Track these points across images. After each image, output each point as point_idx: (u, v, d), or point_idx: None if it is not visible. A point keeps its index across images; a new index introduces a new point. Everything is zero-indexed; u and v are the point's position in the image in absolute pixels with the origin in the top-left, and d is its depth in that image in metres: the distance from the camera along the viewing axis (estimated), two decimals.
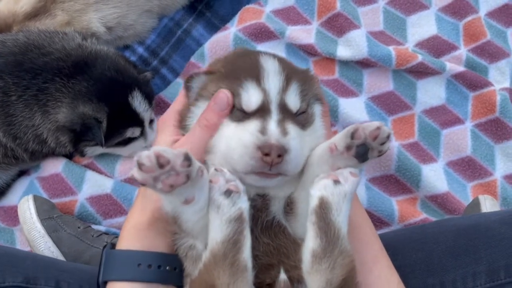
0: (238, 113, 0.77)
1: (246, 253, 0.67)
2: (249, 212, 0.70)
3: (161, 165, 0.61)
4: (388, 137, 0.70)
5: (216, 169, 0.71)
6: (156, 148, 0.62)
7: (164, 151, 0.62)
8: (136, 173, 0.63)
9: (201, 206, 0.69)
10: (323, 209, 0.68)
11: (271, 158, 0.69)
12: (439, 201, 1.39)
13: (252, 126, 0.73)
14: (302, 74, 0.85)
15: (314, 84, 0.86)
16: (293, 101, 0.77)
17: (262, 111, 0.75)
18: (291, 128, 0.74)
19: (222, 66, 0.84)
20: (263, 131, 0.71)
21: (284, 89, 0.77)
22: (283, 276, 0.74)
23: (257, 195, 0.77)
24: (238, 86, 0.77)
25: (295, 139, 0.73)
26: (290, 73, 0.79)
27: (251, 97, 0.76)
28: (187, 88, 0.85)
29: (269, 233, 0.76)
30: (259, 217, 0.76)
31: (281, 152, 0.69)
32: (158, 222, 0.81)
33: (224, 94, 0.77)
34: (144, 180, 0.63)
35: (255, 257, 0.71)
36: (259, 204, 0.77)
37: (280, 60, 0.82)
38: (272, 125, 0.72)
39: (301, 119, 0.79)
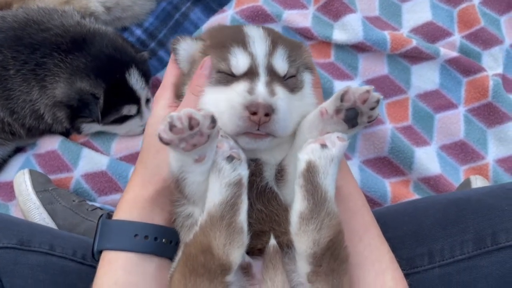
0: (228, 77, 0.79)
1: (242, 216, 0.69)
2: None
3: (191, 127, 0.63)
4: (377, 102, 0.71)
5: (221, 135, 0.72)
6: (187, 110, 0.63)
7: (195, 113, 0.63)
8: (164, 134, 0.63)
9: (208, 166, 0.70)
10: (310, 172, 0.69)
11: (258, 116, 0.71)
12: (431, 183, 1.40)
13: (240, 87, 0.75)
14: (290, 42, 0.86)
15: (304, 53, 0.87)
16: (281, 64, 0.79)
17: (250, 74, 0.77)
18: (279, 89, 0.76)
19: (208, 38, 0.87)
20: (250, 91, 0.73)
21: (271, 52, 0.79)
22: (273, 241, 0.76)
23: (250, 159, 0.78)
24: (226, 52, 0.79)
25: (283, 99, 0.74)
26: (275, 39, 0.82)
27: (239, 61, 0.78)
28: (174, 50, 0.88)
29: (262, 199, 0.78)
30: (254, 182, 0.77)
31: (268, 110, 0.71)
32: (159, 196, 0.82)
33: (209, 59, 0.81)
34: (171, 140, 0.64)
35: (248, 224, 0.72)
36: (253, 169, 0.78)
37: (265, 29, 0.85)
38: (260, 85, 0.74)
39: (290, 83, 0.80)
